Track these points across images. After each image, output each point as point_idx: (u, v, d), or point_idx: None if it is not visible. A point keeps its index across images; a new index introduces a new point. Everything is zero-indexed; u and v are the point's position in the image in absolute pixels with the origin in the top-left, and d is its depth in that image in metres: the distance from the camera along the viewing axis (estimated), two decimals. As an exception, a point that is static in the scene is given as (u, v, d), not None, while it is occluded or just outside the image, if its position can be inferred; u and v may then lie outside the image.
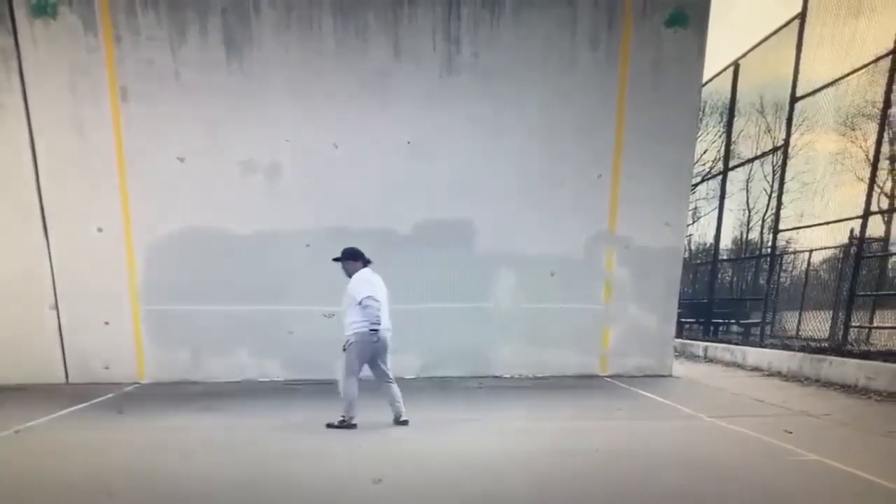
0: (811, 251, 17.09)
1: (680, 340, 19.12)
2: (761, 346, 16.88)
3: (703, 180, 24.61)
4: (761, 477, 7.03)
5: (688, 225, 17.74)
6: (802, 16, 16.02)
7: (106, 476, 7.17)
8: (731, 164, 21.28)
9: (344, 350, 9.47)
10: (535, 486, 6.79)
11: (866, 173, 15.07)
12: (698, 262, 24.18)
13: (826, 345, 14.61)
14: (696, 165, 22.96)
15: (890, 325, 14.74)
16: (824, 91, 15.69)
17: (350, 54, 13.07)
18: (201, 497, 5.79)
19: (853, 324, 14.55)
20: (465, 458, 7.86)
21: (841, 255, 15.42)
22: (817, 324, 15.96)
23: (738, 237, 25.84)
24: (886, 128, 15.03)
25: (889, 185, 21.49)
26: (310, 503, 6.21)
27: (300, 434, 9.19)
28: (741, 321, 20.40)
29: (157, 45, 12.76)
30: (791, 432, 8.96)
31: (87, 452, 8.32)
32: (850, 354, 13.48)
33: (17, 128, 12.72)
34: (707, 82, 18.79)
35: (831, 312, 15.43)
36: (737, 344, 18.19)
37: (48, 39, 12.57)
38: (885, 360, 12.60)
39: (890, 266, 15.42)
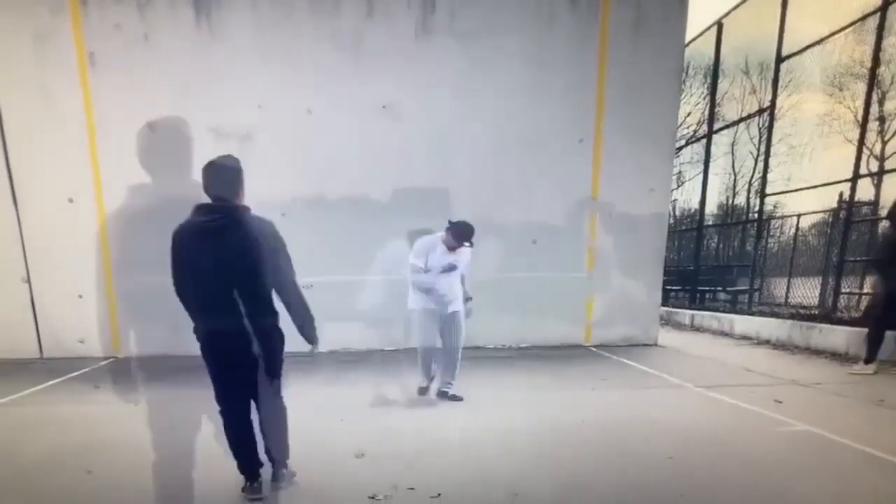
0: (799, 216, 16.99)
1: (666, 309, 18.98)
2: (749, 314, 16.70)
3: (687, 144, 24.50)
4: (750, 447, 6.93)
5: (672, 190, 17.59)
6: (788, -28, 15.76)
7: (84, 451, 7.07)
8: (715, 126, 21.09)
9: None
10: (520, 457, 6.71)
11: (855, 135, 14.93)
12: (683, 228, 24.11)
13: (815, 312, 14.46)
14: (680, 128, 22.82)
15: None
16: (811, 50, 15.43)
17: (322, 13, 12.74)
18: (181, 471, 5.68)
19: (843, 290, 14.41)
20: (448, 431, 7.79)
21: (830, 219, 15.29)
22: (806, 290, 15.86)
23: (724, 202, 25.84)
24: (875, 87, 14.85)
25: (878, 146, 21.38)
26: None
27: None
28: (728, 288, 20.28)
29: (124, 7, 12.37)
30: (781, 402, 8.86)
31: (64, 428, 8.19)
32: (841, 322, 13.29)
33: (-19, 96, 12.36)
34: (690, 42, 18.50)
35: (820, 279, 15.33)
36: (724, 312, 18.03)
37: (10, 2, 12.20)
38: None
39: (880, 230, 15.28)
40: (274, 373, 5.65)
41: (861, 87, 15.47)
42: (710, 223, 23.17)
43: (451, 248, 9.29)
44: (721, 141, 22.01)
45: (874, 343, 11.10)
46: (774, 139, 17.69)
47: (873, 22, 13.49)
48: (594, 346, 14.32)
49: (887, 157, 21.55)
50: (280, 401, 5.89)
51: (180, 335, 13.51)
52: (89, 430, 8.03)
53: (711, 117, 21.10)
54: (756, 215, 18.63)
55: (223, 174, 5.38)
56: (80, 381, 11.26)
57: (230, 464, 5.65)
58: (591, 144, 13.64)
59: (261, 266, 5.25)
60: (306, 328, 5.70)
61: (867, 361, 11.10)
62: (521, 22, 13.07)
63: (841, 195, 14.32)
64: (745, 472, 6.11)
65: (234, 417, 5.60)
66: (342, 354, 13.13)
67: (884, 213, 14.35)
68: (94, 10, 12.33)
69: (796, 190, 17.05)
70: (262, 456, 5.84)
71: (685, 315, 19.46)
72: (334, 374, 11.48)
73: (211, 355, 5.41)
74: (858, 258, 14.51)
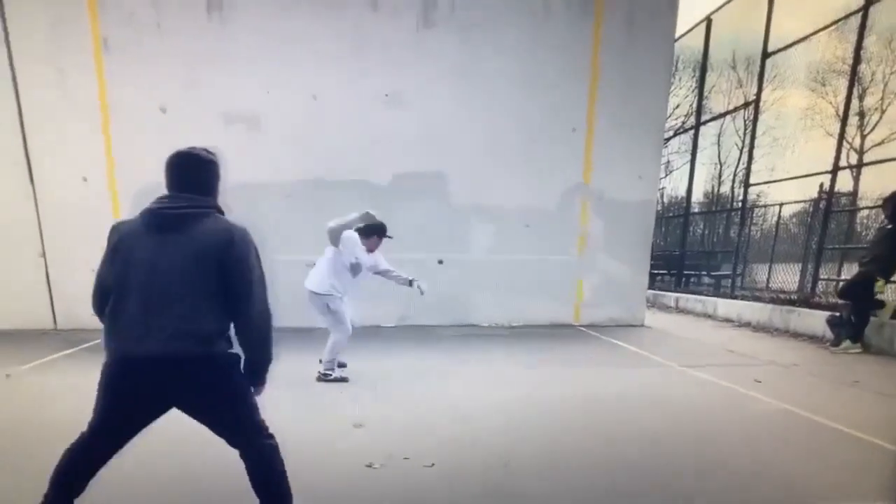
0: (781, 205, 17.04)
1: (652, 291, 18.98)
2: (732, 298, 16.76)
3: (675, 134, 24.54)
4: (731, 424, 6.99)
5: (660, 178, 17.62)
6: (775, -29, 15.77)
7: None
8: (703, 118, 21.11)
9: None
10: (511, 430, 6.75)
11: (835, 129, 14.95)
12: (670, 214, 24.14)
13: (795, 297, 14.51)
14: (669, 120, 22.82)
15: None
16: (795, 47, 15.49)
17: (328, 5, 12.84)
18: (187, 436, 5.70)
19: (822, 276, 14.47)
20: (442, 404, 7.81)
21: (810, 209, 15.34)
22: (787, 276, 15.91)
23: (710, 191, 25.85)
24: (856, 84, 14.87)
25: (858, 140, 21.39)
26: (292, 446, 6.00)
27: (283, 380, 9.02)
28: (712, 273, 20.39)
29: (138, -5, 12.47)
30: (760, 381, 8.90)
31: (77, 396, 8.05)
32: (819, 306, 13.34)
33: (1, 78, 12.46)
34: (680, 37, 18.53)
35: (800, 265, 15.36)
36: (708, 295, 18.09)
37: (29, -11, 12.24)
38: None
39: (858, 220, 15.34)
40: (236, 414, 3.95)
41: (842, 84, 15.53)
42: (696, 210, 23.18)
43: (371, 251, 9.29)
44: (708, 132, 22.04)
45: (864, 324, 11.39)
46: (759, 131, 17.72)
47: (855, 21, 13.52)
48: (583, 326, 14.37)
49: (866, 151, 21.61)
50: (267, 440, 4.11)
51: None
52: (99, 397, 8.04)
53: (699, 109, 21.09)
54: (740, 204, 18.65)
55: (196, 169, 3.96)
56: (92, 352, 11.12)
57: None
58: (583, 134, 13.70)
59: (228, 277, 3.73)
60: (257, 362, 4.07)
61: (855, 340, 11.27)
62: (518, 16, 13.14)
63: (821, 186, 14.40)
64: (725, 448, 6.16)
65: (100, 454, 3.90)
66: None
67: (862, 203, 14.42)
68: (109, -3, 12.39)
69: (779, 180, 17.09)
70: None
71: (671, 298, 19.50)
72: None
73: (125, 385, 3.71)
74: (837, 246, 14.56)
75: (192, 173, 3.91)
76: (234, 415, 3.89)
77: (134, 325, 3.58)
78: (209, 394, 3.77)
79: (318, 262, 9.24)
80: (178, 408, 3.80)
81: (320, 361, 9.20)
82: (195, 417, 3.85)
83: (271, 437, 4.07)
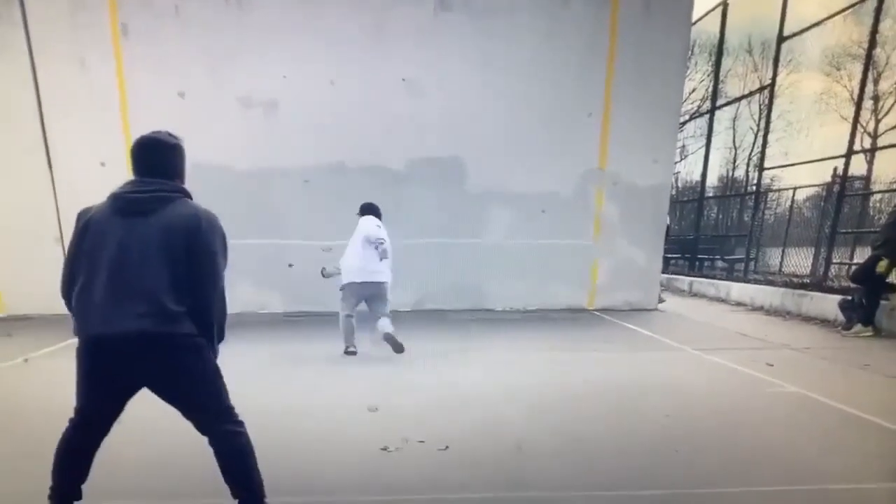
0: (795, 189, 16.99)
1: (666, 275, 18.95)
2: (745, 282, 16.79)
3: (690, 119, 24.45)
4: (743, 407, 7.03)
5: (675, 162, 17.60)
6: (791, -45, 15.73)
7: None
8: (718, 102, 21.13)
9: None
10: (526, 413, 6.82)
11: (850, 113, 14.91)
12: (685, 198, 24.10)
13: (808, 281, 14.51)
14: (684, 104, 22.78)
15: (870, 262, 14.69)
16: (811, 31, 15.47)
17: (346, -11, 12.86)
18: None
19: (834, 260, 14.46)
20: (457, 388, 7.84)
21: (824, 193, 15.30)
22: (799, 260, 15.87)
23: (725, 175, 25.77)
24: (871, 68, 14.83)
25: (872, 124, 21.30)
26: (308, 432, 6.10)
27: (298, 364, 9.11)
28: (726, 257, 20.35)
29: (156, -20, 12.50)
30: (772, 365, 8.89)
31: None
32: (831, 290, 13.34)
33: (20, 63, 12.51)
34: (696, 21, 18.48)
35: (813, 249, 15.35)
36: (721, 279, 18.14)
37: (48, -24, 12.29)
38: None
39: (871, 204, 15.28)
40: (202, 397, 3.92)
41: (857, 68, 15.48)
42: (711, 195, 23.13)
43: None
44: (723, 116, 21.99)
45: (875, 307, 11.38)
46: (774, 115, 17.72)
47: (871, 4, 13.50)
48: (597, 310, 14.41)
49: (880, 135, 21.53)
50: (233, 426, 4.02)
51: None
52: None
53: (715, 94, 21.11)
54: (754, 188, 18.66)
55: (161, 154, 3.97)
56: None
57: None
58: (599, 118, 13.70)
59: (194, 262, 3.72)
60: (214, 331, 3.93)
61: (867, 324, 11.30)
62: (535, 0, 13.15)
63: (835, 170, 14.35)
64: (737, 430, 6.20)
65: (91, 437, 3.98)
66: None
67: (876, 187, 14.38)
68: (127, -18, 12.44)
69: (793, 164, 17.12)
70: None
71: (684, 281, 19.55)
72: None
73: (96, 365, 3.78)
74: (850, 230, 14.54)
75: (158, 157, 3.95)
76: (199, 395, 3.90)
77: (102, 306, 3.62)
78: (175, 373, 3.79)
79: (374, 254, 9.59)
80: (149, 388, 3.86)
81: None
82: (164, 398, 3.91)
83: (239, 423, 4.06)
